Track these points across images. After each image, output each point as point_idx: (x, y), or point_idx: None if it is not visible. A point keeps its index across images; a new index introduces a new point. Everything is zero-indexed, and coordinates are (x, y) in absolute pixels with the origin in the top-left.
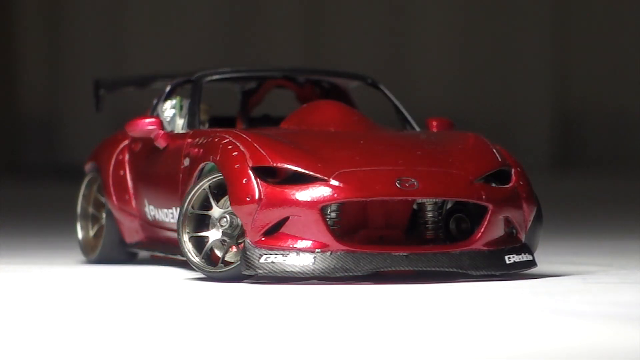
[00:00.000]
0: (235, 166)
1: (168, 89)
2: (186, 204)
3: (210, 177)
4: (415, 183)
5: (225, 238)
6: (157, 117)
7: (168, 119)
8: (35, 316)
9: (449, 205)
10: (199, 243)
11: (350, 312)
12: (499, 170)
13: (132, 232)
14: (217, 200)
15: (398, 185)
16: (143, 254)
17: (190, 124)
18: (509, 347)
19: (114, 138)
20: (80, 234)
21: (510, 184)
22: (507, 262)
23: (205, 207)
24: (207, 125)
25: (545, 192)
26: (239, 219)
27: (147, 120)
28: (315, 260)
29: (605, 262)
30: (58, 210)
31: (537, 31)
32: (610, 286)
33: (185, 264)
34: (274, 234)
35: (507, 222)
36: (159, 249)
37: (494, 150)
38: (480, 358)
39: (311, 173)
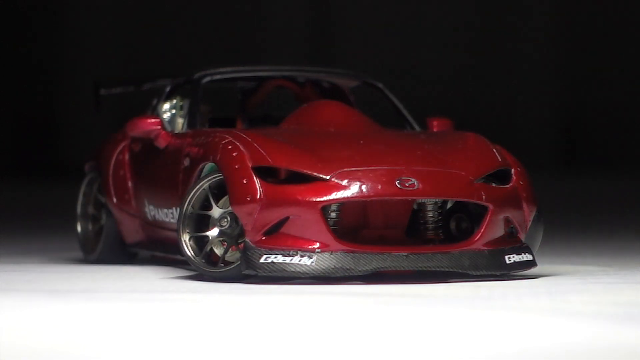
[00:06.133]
0: (236, 166)
1: (168, 89)
2: (186, 204)
3: (210, 177)
4: (415, 183)
5: (225, 238)
6: (157, 117)
7: (168, 119)
8: (35, 316)
9: (449, 205)
10: (199, 243)
11: (350, 313)
12: (499, 170)
13: (132, 232)
14: (217, 200)
15: (398, 185)
16: (143, 254)
17: (190, 124)
18: (509, 347)
19: (114, 138)
20: (80, 234)
21: (511, 184)
22: (507, 262)
23: (206, 207)
24: (207, 125)
25: (546, 192)
26: (239, 219)
27: (147, 120)
28: (315, 260)
29: (605, 262)
30: (58, 210)
31: (539, 30)
32: (610, 286)
33: (185, 264)
34: (274, 234)
35: (507, 222)
36: (159, 249)
37: (494, 150)
38: (481, 358)
39: (311, 173)
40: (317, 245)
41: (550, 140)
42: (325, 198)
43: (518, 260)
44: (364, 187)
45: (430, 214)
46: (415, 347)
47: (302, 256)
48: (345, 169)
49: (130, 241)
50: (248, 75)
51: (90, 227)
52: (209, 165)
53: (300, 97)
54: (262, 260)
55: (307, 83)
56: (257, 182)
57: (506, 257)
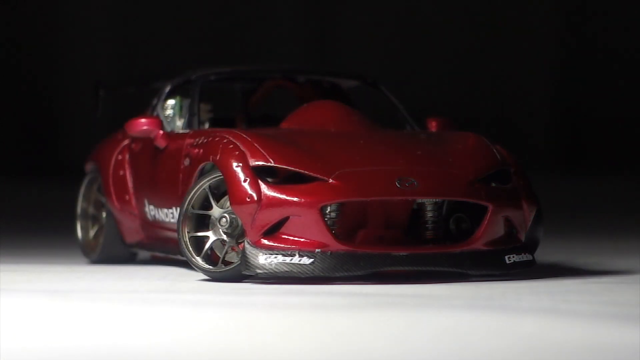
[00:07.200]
0: (236, 166)
1: (168, 88)
2: (186, 204)
3: (210, 177)
4: (415, 183)
5: (225, 238)
6: (157, 117)
7: (168, 119)
8: (35, 316)
9: (446, 205)
10: (199, 243)
11: (350, 313)
12: (499, 170)
13: (132, 232)
14: (217, 200)
15: (398, 185)
16: (143, 254)
17: (190, 124)
18: (509, 347)
19: (114, 138)
20: (80, 234)
21: (510, 184)
22: (507, 262)
23: (205, 207)
24: (207, 125)
25: (546, 192)
26: (238, 219)
27: (147, 120)
28: (315, 260)
29: (605, 262)
30: (58, 210)
31: (540, 28)
32: (610, 286)
33: (185, 264)
34: (274, 233)
35: (507, 222)
36: (159, 249)
37: (494, 150)
38: (480, 358)
39: (311, 173)
40: (317, 245)
41: (550, 139)
42: (325, 198)
43: (518, 260)
44: (363, 188)
45: (430, 214)
46: (415, 347)
47: (301, 256)
48: (345, 169)
49: (130, 241)
50: (248, 75)
51: (90, 227)
52: (209, 165)
53: (300, 97)
54: (261, 260)
55: (307, 83)
56: (257, 182)
57: (506, 257)
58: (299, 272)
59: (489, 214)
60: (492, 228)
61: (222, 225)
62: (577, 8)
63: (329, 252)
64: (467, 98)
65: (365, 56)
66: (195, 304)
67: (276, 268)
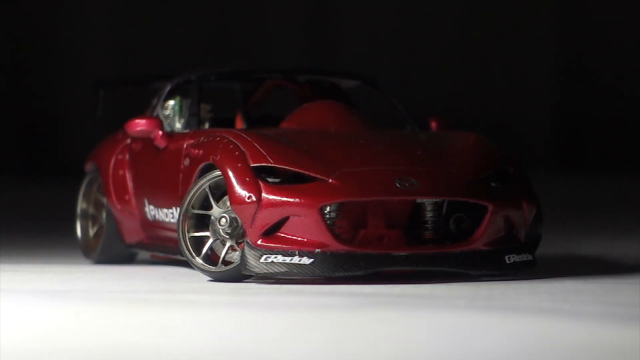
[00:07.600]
0: (236, 166)
1: (168, 89)
2: (186, 203)
3: (210, 177)
4: (415, 183)
5: (225, 238)
6: (157, 117)
7: (168, 119)
8: (35, 316)
9: (446, 205)
10: (199, 243)
11: (350, 313)
12: (499, 170)
13: (132, 232)
14: (217, 200)
15: (398, 185)
16: (143, 254)
17: (190, 124)
18: (509, 347)
19: (114, 138)
20: (80, 234)
21: (510, 184)
22: (507, 262)
23: (205, 207)
24: (207, 125)
25: (546, 192)
26: (238, 219)
27: (147, 120)
28: (315, 260)
29: (605, 262)
30: (58, 210)
31: (540, 28)
32: (610, 286)
33: (185, 264)
34: (274, 233)
35: (507, 221)
36: (159, 249)
37: (494, 150)
38: (481, 358)
39: (311, 173)
40: (317, 245)
41: (550, 139)
42: (324, 198)
43: (518, 260)
44: (363, 188)
45: (430, 214)
46: (415, 347)
47: (301, 256)
48: (345, 169)
49: (130, 241)
50: (248, 75)
51: (90, 227)
52: (209, 165)
53: (300, 97)
54: (262, 260)
55: (307, 83)
56: (257, 182)
57: (506, 257)
58: (299, 272)
59: (489, 214)
60: (492, 228)
61: (222, 225)
62: (577, 8)
63: (329, 252)
64: (467, 98)
65: (365, 56)
66: (195, 304)
67: (276, 268)
